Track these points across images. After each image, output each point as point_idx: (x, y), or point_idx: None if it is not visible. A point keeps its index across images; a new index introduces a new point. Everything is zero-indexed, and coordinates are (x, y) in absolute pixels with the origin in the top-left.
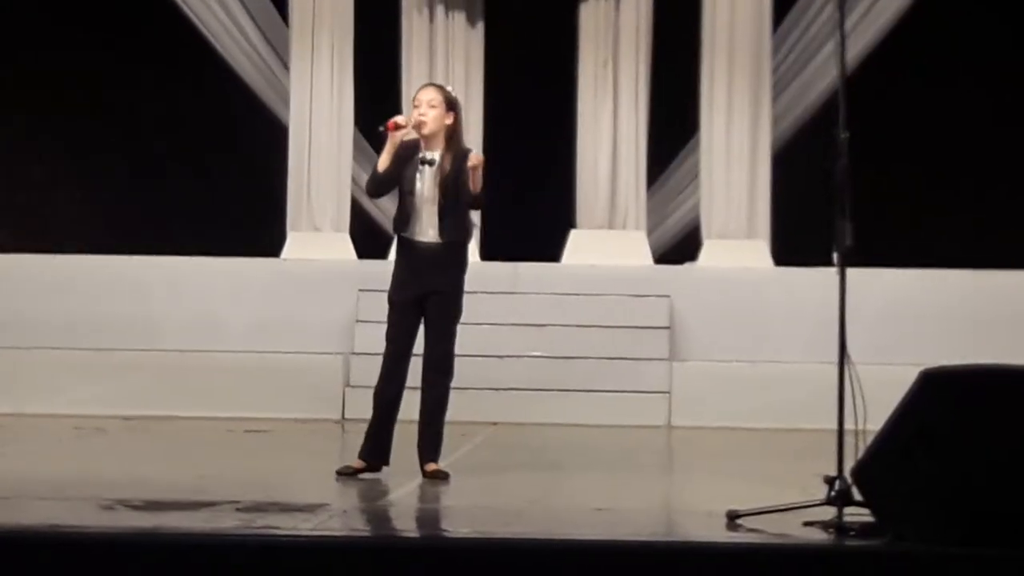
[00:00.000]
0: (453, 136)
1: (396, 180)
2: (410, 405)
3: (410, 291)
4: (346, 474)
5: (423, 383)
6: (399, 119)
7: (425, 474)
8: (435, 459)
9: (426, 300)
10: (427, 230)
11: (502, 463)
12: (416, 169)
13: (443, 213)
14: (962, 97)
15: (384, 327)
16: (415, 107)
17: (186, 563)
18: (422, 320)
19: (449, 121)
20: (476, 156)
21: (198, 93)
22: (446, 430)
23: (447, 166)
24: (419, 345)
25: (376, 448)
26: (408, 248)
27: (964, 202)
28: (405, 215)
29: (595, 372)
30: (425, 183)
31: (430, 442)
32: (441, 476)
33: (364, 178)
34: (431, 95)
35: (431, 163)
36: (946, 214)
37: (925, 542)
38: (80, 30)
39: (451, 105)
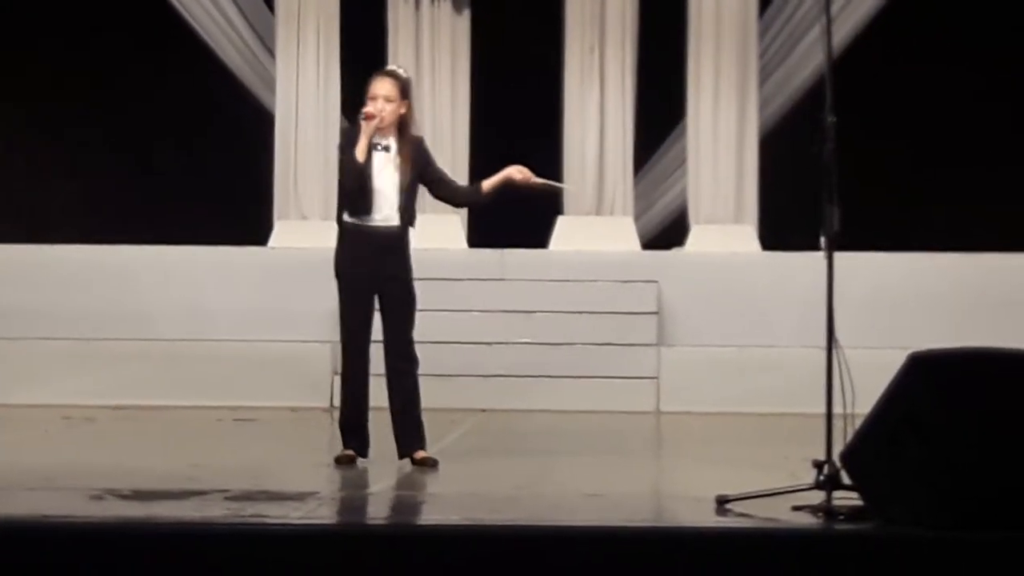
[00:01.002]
0: (405, 121)
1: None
2: (376, 392)
3: (366, 278)
4: (345, 462)
5: (391, 372)
6: (371, 110)
7: (414, 462)
8: (423, 446)
9: (383, 286)
10: (384, 215)
11: (491, 450)
12: (369, 155)
13: (402, 198)
14: (949, 79)
15: None
16: (371, 100)
17: (176, 552)
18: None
19: (403, 110)
20: (527, 179)
21: (184, 81)
22: (432, 417)
23: (406, 152)
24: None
25: (363, 439)
26: (362, 234)
27: (952, 185)
28: (361, 201)
29: (583, 358)
30: (382, 169)
31: (414, 430)
32: (431, 463)
33: None
34: (386, 89)
35: (387, 148)
36: (934, 197)
37: (914, 525)
38: (66, 19)
39: (405, 92)
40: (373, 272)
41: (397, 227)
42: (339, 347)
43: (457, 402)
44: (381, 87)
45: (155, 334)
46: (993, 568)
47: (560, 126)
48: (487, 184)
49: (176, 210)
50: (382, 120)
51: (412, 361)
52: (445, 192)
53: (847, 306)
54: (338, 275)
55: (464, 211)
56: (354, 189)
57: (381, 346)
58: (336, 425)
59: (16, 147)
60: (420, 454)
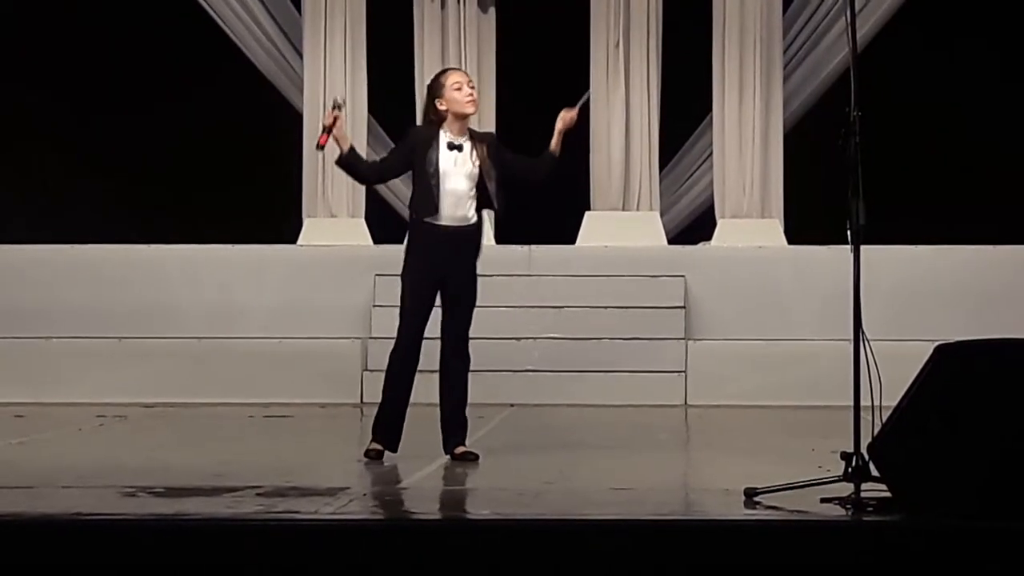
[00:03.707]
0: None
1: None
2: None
3: (435, 274)
4: (373, 457)
5: (448, 369)
6: (329, 124)
7: (455, 456)
8: (464, 441)
9: (450, 284)
10: (458, 213)
11: (520, 444)
12: (438, 154)
13: (479, 194)
14: (975, 71)
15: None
16: (455, 89)
17: (208, 548)
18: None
19: None
20: (570, 117)
21: (213, 81)
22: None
23: (481, 148)
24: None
25: (398, 435)
26: (433, 232)
27: (979, 177)
28: (432, 199)
29: (611, 352)
30: (456, 167)
31: (461, 426)
32: (472, 457)
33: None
34: (468, 76)
35: (460, 148)
36: (960, 190)
37: (942, 516)
38: (96, 21)
39: None
40: (441, 269)
41: (471, 225)
42: (368, 343)
43: (486, 397)
44: (463, 75)
45: (186, 332)
46: (1022, 559)
47: (586, 122)
48: (553, 145)
49: (206, 209)
50: (475, 104)
51: (468, 359)
52: (522, 177)
53: (873, 299)
54: (406, 271)
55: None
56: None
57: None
58: (365, 420)
59: (48, 147)
60: (460, 449)
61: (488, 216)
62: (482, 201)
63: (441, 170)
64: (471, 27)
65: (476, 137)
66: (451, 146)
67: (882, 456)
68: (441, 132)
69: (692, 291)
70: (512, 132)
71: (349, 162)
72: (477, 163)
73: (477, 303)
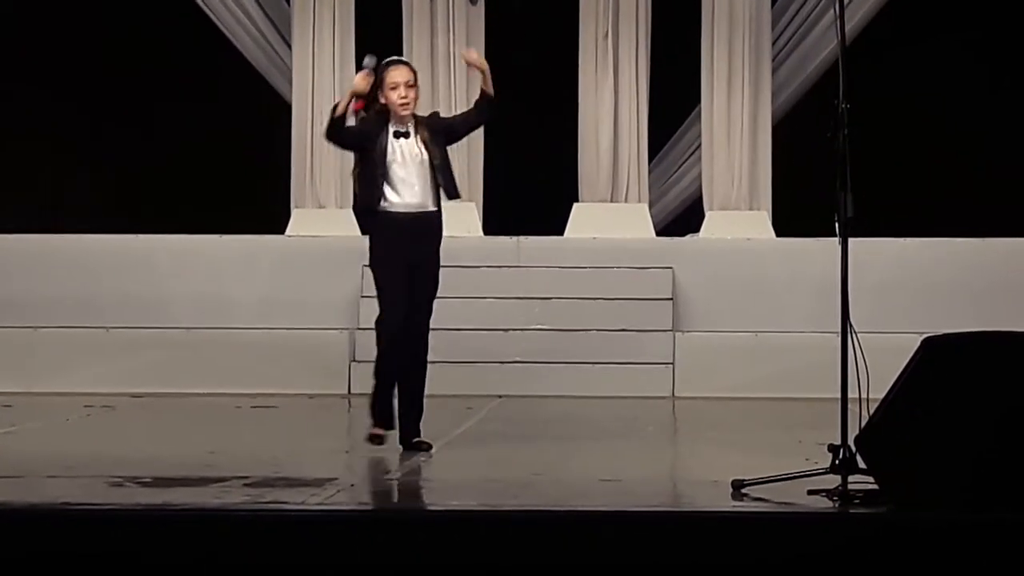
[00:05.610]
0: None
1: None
2: None
3: (402, 258)
4: (377, 443)
5: (408, 356)
6: (358, 89)
7: (410, 445)
8: (419, 432)
9: (415, 268)
10: (415, 199)
11: (508, 435)
12: (388, 143)
13: (432, 180)
14: (965, 63)
15: None
16: (391, 89)
17: (195, 539)
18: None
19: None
20: (477, 59)
21: (201, 71)
22: (449, 403)
23: (425, 133)
24: None
25: (391, 414)
26: (393, 221)
27: (966, 170)
28: (383, 188)
29: (599, 344)
30: (404, 154)
31: (418, 417)
32: (426, 447)
33: None
34: (407, 75)
35: (406, 135)
36: (949, 182)
37: (929, 508)
38: (87, 17)
39: (416, 78)
40: (407, 254)
41: (429, 212)
42: (356, 334)
43: (474, 388)
44: (400, 74)
45: (174, 322)
46: (1008, 550)
47: (574, 113)
48: (483, 86)
49: (195, 200)
50: (409, 107)
51: (427, 349)
52: (468, 127)
53: (861, 291)
54: (373, 260)
55: (480, 199)
56: (354, 146)
57: None
58: (353, 411)
59: (39, 137)
60: (415, 439)
61: (477, 206)
62: (438, 188)
63: (389, 159)
64: (460, 19)
65: (420, 122)
66: (397, 134)
67: (869, 448)
68: (389, 122)
69: (680, 283)
70: (500, 122)
71: (342, 122)
72: (424, 149)
73: (451, 294)
